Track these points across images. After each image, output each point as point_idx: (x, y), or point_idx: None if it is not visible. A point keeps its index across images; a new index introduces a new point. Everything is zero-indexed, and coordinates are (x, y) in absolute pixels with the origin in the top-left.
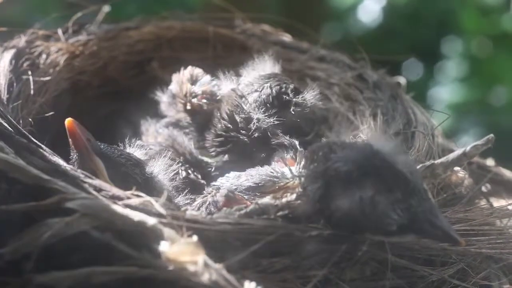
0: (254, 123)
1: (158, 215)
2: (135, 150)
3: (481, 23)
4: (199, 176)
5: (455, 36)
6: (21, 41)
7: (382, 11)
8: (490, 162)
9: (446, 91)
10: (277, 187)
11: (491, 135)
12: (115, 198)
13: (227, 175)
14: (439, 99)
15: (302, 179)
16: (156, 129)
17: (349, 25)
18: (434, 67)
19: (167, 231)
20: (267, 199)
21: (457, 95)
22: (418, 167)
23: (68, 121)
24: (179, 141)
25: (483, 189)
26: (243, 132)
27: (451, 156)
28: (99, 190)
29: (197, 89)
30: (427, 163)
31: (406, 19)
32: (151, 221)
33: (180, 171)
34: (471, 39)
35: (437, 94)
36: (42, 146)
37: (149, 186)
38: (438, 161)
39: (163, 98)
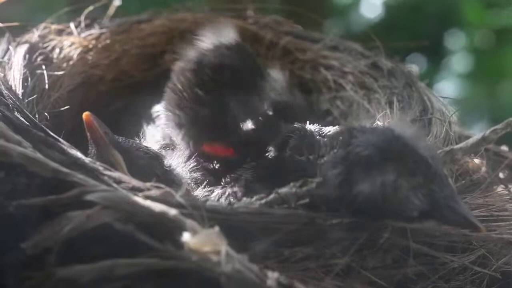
0: None
1: (179, 206)
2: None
3: (485, 16)
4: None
5: (458, 29)
6: (34, 36)
7: (384, 5)
8: (504, 148)
9: (451, 86)
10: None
11: (510, 118)
12: (135, 190)
13: (244, 165)
14: (444, 94)
15: (322, 166)
16: (155, 127)
17: (352, 21)
18: (438, 62)
19: (188, 222)
20: (287, 188)
21: (462, 90)
22: (438, 152)
23: (85, 114)
24: (175, 141)
25: (500, 175)
26: None
27: (470, 141)
28: (119, 182)
29: None
30: (446, 148)
31: (409, 13)
32: (172, 212)
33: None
34: (475, 33)
35: (441, 88)
36: (60, 139)
37: (168, 178)
38: (457, 146)
39: None
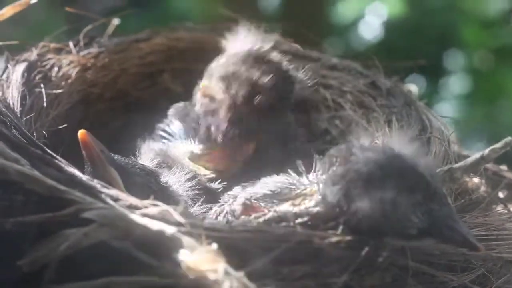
0: None
1: (177, 223)
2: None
3: (482, 36)
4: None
5: (457, 49)
6: (32, 54)
7: (383, 26)
8: (504, 168)
9: (450, 106)
10: (294, 194)
11: (509, 137)
12: (132, 208)
13: (242, 184)
14: (443, 115)
15: (321, 184)
16: (149, 145)
17: (350, 41)
18: (437, 82)
19: (186, 240)
20: (285, 206)
21: (460, 110)
22: (437, 171)
23: (81, 132)
24: (171, 156)
25: (500, 194)
26: None
27: (469, 160)
28: (116, 199)
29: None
30: (445, 167)
31: (408, 34)
32: (170, 230)
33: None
34: (473, 53)
35: (440, 109)
36: (57, 157)
37: (164, 195)
38: (456, 165)
39: None
